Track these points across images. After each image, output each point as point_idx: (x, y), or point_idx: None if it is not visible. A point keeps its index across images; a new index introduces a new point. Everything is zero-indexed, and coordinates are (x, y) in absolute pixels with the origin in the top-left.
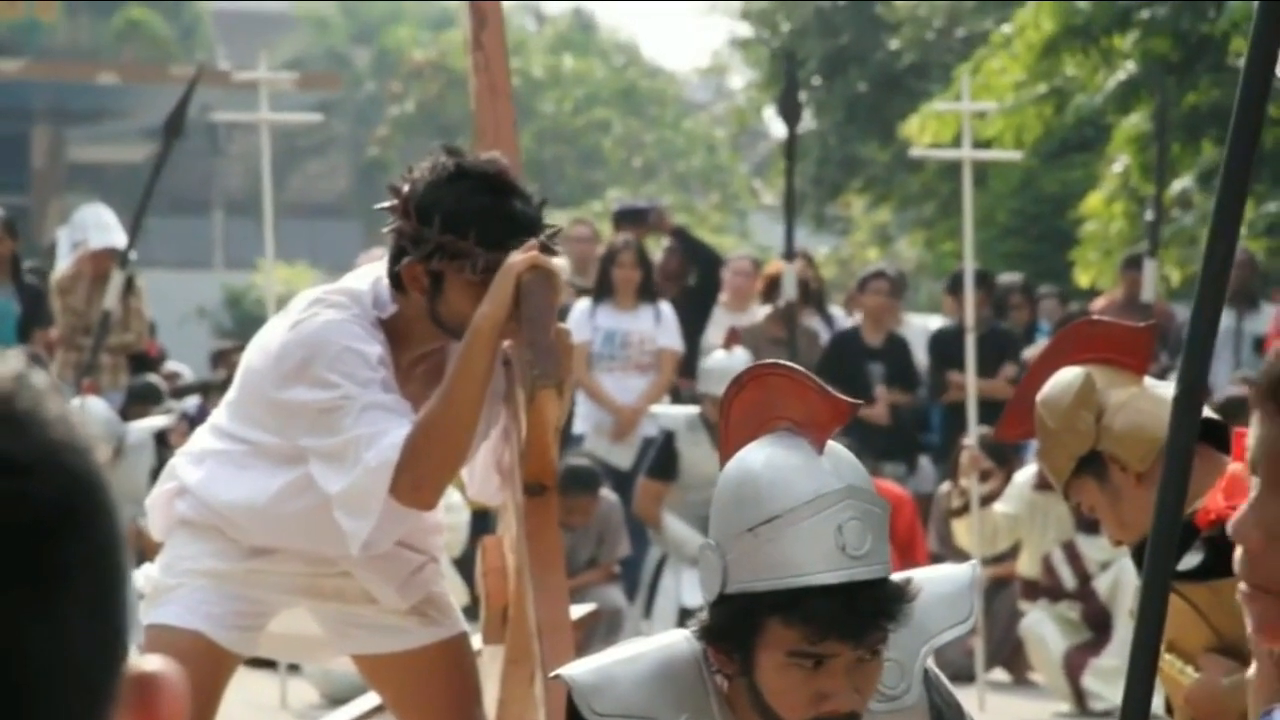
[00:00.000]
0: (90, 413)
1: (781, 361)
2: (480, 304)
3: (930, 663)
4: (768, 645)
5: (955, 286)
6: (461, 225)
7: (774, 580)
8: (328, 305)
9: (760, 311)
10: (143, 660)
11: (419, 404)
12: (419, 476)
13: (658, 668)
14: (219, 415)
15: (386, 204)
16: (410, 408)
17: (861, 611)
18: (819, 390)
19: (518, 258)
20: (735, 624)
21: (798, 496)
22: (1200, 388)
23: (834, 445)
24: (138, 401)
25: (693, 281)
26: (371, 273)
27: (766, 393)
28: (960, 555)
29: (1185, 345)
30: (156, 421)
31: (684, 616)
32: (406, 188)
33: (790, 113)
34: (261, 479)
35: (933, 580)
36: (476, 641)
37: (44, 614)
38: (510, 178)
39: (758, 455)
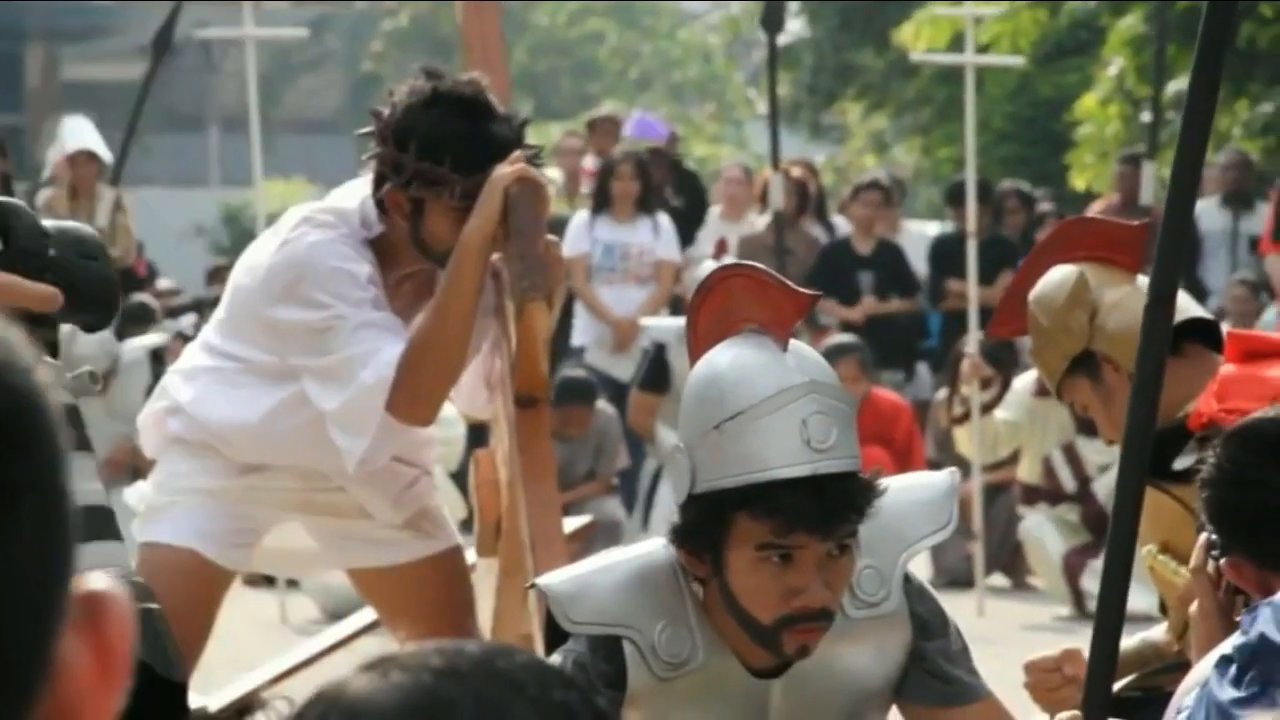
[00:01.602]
0: (81, 333)
1: (742, 262)
2: (467, 221)
3: (913, 571)
4: (737, 542)
5: (955, 197)
6: (437, 151)
7: (741, 476)
8: (315, 225)
9: (758, 220)
10: (89, 578)
11: (408, 320)
12: (415, 392)
13: (635, 576)
14: (210, 333)
15: (367, 130)
16: (402, 325)
17: (828, 504)
18: (779, 286)
19: (504, 170)
20: (704, 523)
21: (761, 392)
22: (1170, 296)
23: (798, 344)
24: (131, 322)
25: (679, 204)
26: (360, 190)
27: (731, 296)
28: (960, 462)
29: (1156, 253)
30: (151, 340)
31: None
32: (386, 112)
33: (773, 23)
34: (254, 397)
35: (912, 488)
36: (472, 555)
37: None
38: (487, 99)
39: (723, 356)
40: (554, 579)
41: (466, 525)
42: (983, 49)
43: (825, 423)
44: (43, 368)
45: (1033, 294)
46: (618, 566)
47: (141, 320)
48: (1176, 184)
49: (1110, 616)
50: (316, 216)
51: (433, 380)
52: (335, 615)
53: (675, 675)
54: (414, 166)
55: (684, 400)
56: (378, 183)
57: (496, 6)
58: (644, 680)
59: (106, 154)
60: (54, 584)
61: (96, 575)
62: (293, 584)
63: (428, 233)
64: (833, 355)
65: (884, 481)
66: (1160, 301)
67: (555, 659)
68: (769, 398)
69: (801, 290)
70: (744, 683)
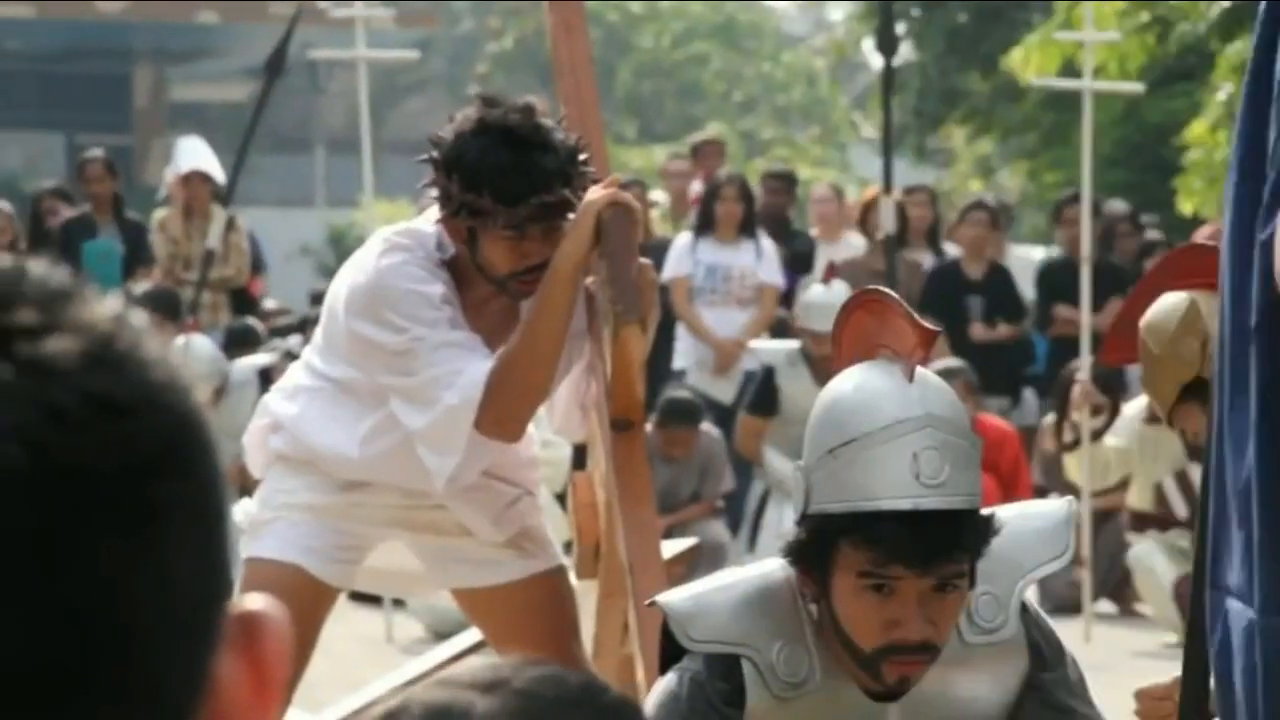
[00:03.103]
0: (194, 351)
1: (876, 288)
2: (521, 247)
3: (1031, 599)
4: (840, 568)
5: (1062, 214)
6: (477, 183)
7: (847, 502)
8: (391, 247)
9: (854, 239)
10: (246, 599)
11: (493, 339)
12: (501, 412)
13: (753, 596)
14: (309, 353)
15: (424, 157)
16: (481, 342)
17: (929, 540)
18: (905, 316)
19: (598, 194)
20: (812, 544)
21: (877, 421)
22: None
23: (927, 374)
24: (236, 345)
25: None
26: (439, 213)
27: (867, 320)
28: (1070, 489)
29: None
30: (260, 359)
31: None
32: (443, 137)
33: (887, 45)
34: (351, 417)
35: (1030, 516)
36: (572, 576)
37: (147, 555)
38: (535, 128)
39: (848, 381)
40: (673, 597)
41: (571, 547)
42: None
43: (937, 458)
44: (202, 387)
45: (1144, 321)
46: (736, 586)
47: (246, 343)
48: None
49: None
50: (393, 239)
51: (519, 401)
52: (440, 635)
53: (794, 695)
54: (459, 197)
55: (810, 420)
56: (440, 207)
57: (587, 32)
58: (762, 700)
59: (220, 175)
60: (210, 603)
61: (254, 595)
62: (399, 603)
63: (483, 259)
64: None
65: (1001, 510)
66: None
67: (671, 676)
68: (883, 428)
69: (924, 323)
70: (861, 705)
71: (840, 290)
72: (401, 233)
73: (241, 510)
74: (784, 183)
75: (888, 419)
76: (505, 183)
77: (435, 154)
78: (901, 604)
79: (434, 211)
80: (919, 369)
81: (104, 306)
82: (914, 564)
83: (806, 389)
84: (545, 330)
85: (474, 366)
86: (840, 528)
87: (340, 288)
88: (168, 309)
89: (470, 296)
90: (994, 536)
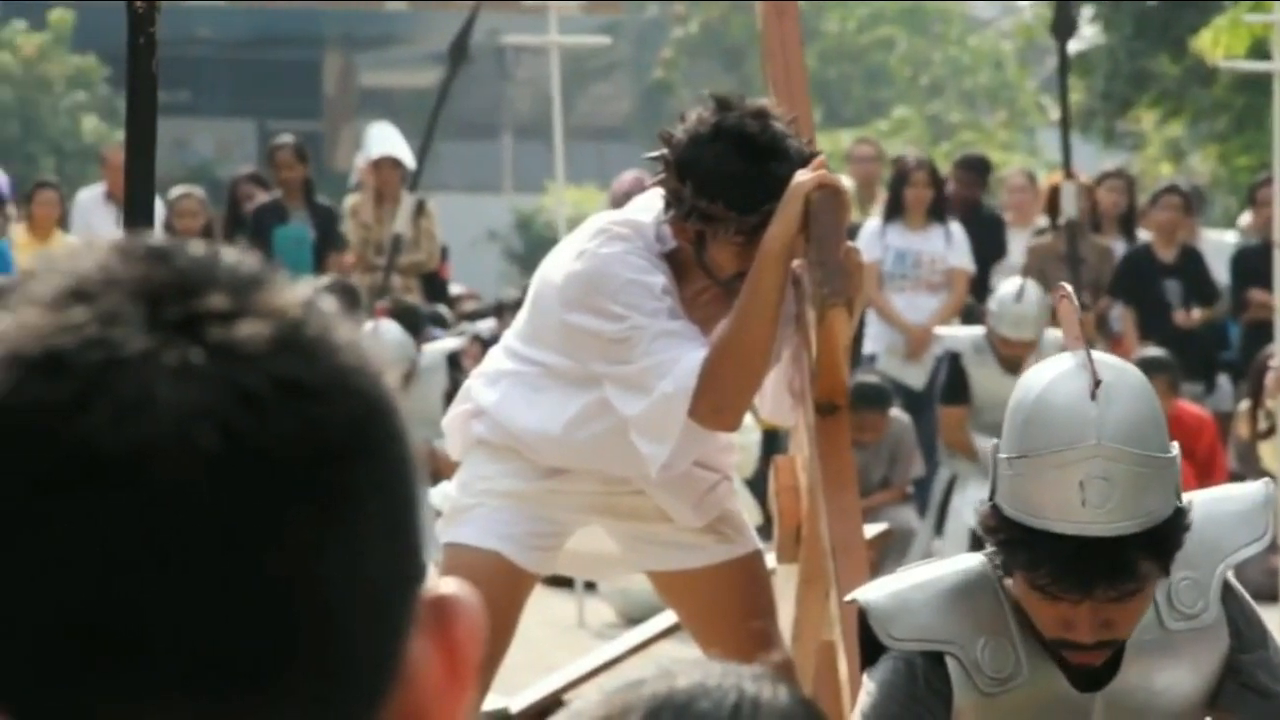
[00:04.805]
0: (384, 336)
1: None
2: (753, 246)
3: (1232, 579)
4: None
5: (1255, 197)
6: (712, 191)
7: (1019, 513)
8: (612, 236)
9: (1044, 224)
10: (439, 583)
11: (707, 330)
12: (718, 400)
13: (953, 592)
14: (511, 337)
15: (654, 154)
16: (699, 332)
17: (1093, 565)
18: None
19: (805, 177)
20: (994, 531)
21: (1049, 442)
22: None
23: (1114, 388)
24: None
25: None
26: (656, 204)
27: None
28: (1263, 475)
29: None
30: (449, 344)
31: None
32: (674, 136)
33: (1064, 29)
34: (555, 402)
35: (1227, 499)
36: (770, 561)
37: (338, 539)
38: (773, 135)
39: (1039, 381)
40: (871, 595)
41: (762, 531)
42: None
43: (1105, 488)
44: (392, 371)
45: None
46: (935, 583)
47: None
48: None
49: None
50: (613, 228)
51: (736, 388)
52: (632, 619)
53: (1001, 691)
54: (691, 202)
55: (1007, 408)
56: (666, 206)
57: (797, 11)
58: (969, 696)
59: (410, 160)
60: (401, 587)
61: (447, 579)
62: (590, 587)
63: (710, 260)
64: (1142, 370)
65: (1197, 494)
66: None
67: (887, 662)
68: (1056, 452)
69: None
70: (1068, 697)
71: (1032, 299)
72: (620, 223)
73: (441, 495)
74: (976, 173)
75: (1059, 443)
76: (740, 192)
77: (666, 153)
78: (1073, 609)
79: (652, 199)
80: (1108, 381)
81: (294, 292)
82: (1074, 589)
83: (994, 375)
84: (757, 314)
85: (690, 355)
86: (1013, 534)
87: (552, 274)
88: (346, 299)
89: (686, 289)
90: (1184, 535)
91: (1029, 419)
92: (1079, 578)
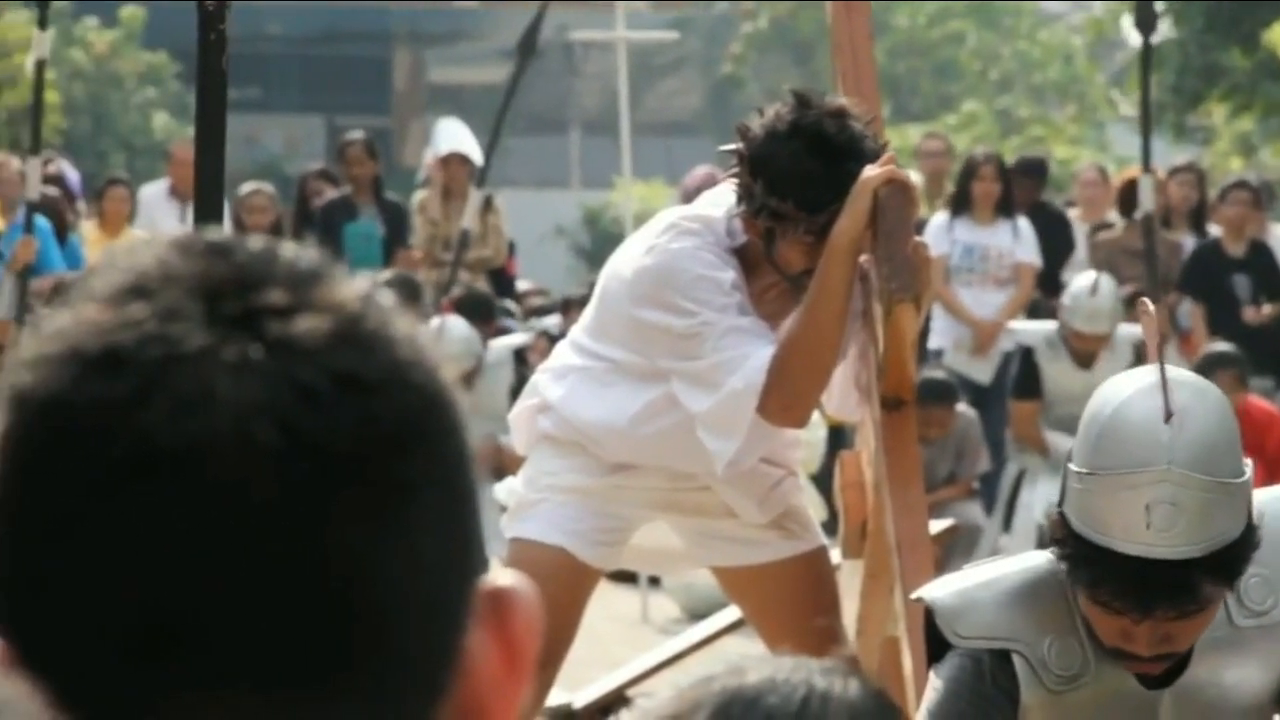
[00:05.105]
0: (450, 332)
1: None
2: (821, 244)
3: None
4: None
5: None
6: (784, 189)
7: (1084, 528)
8: (682, 232)
9: (1114, 219)
10: (497, 575)
11: (775, 324)
12: (787, 397)
13: (1019, 590)
14: (579, 332)
15: (729, 147)
16: (768, 328)
17: (1154, 588)
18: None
19: (873, 171)
20: (1061, 543)
21: (1119, 463)
22: None
23: (1189, 409)
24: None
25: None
26: (727, 198)
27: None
28: None
29: None
30: (515, 339)
31: (1043, 533)
32: (750, 130)
33: (1146, 23)
34: (623, 398)
35: None
36: (835, 556)
37: (395, 533)
38: (850, 135)
39: (1115, 395)
40: (937, 592)
41: (827, 527)
42: None
43: (1171, 512)
44: (450, 366)
45: None
46: (1001, 581)
47: (481, 315)
48: None
49: None
50: (683, 223)
51: (804, 383)
52: (696, 615)
53: (1068, 689)
54: (763, 198)
55: (1082, 418)
56: (738, 201)
57: (868, 7)
58: (1037, 694)
59: (479, 156)
60: (459, 580)
61: (504, 571)
62: (655, 582)
63: (779, 257)
64: (1210, 366)
65: (1265, 491)
66: None
67: (954, 660)
68: (1124, 474)
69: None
70: (1135, 693)
71: (1106, 293)
72: (690, 218)
73: (506, 490)
74: (1033, 178)
75: (1129, 464)
76: (813, 192)
77: (741, 147)
78: (1133, 625)
79: (722, 194)
80: (1185, 402)
81: (352, 286)
82: (1134, 609)
83: (1066, 369)
84: (825, 309)
85: (760, 352)
86: (1078, 549)
87: (621, 269)
88: (407, 294)
89: (755, 284)
90: (1254, 552)
91: (1102, 434)
92: (1140, 598)
